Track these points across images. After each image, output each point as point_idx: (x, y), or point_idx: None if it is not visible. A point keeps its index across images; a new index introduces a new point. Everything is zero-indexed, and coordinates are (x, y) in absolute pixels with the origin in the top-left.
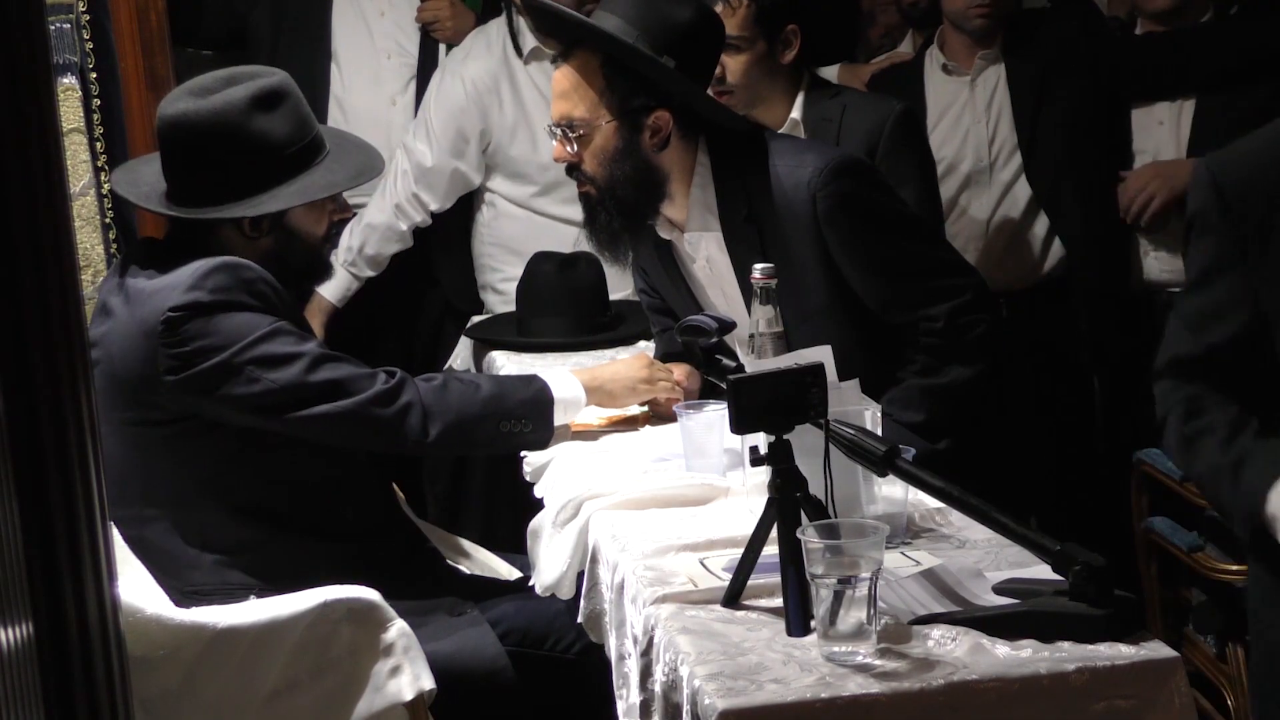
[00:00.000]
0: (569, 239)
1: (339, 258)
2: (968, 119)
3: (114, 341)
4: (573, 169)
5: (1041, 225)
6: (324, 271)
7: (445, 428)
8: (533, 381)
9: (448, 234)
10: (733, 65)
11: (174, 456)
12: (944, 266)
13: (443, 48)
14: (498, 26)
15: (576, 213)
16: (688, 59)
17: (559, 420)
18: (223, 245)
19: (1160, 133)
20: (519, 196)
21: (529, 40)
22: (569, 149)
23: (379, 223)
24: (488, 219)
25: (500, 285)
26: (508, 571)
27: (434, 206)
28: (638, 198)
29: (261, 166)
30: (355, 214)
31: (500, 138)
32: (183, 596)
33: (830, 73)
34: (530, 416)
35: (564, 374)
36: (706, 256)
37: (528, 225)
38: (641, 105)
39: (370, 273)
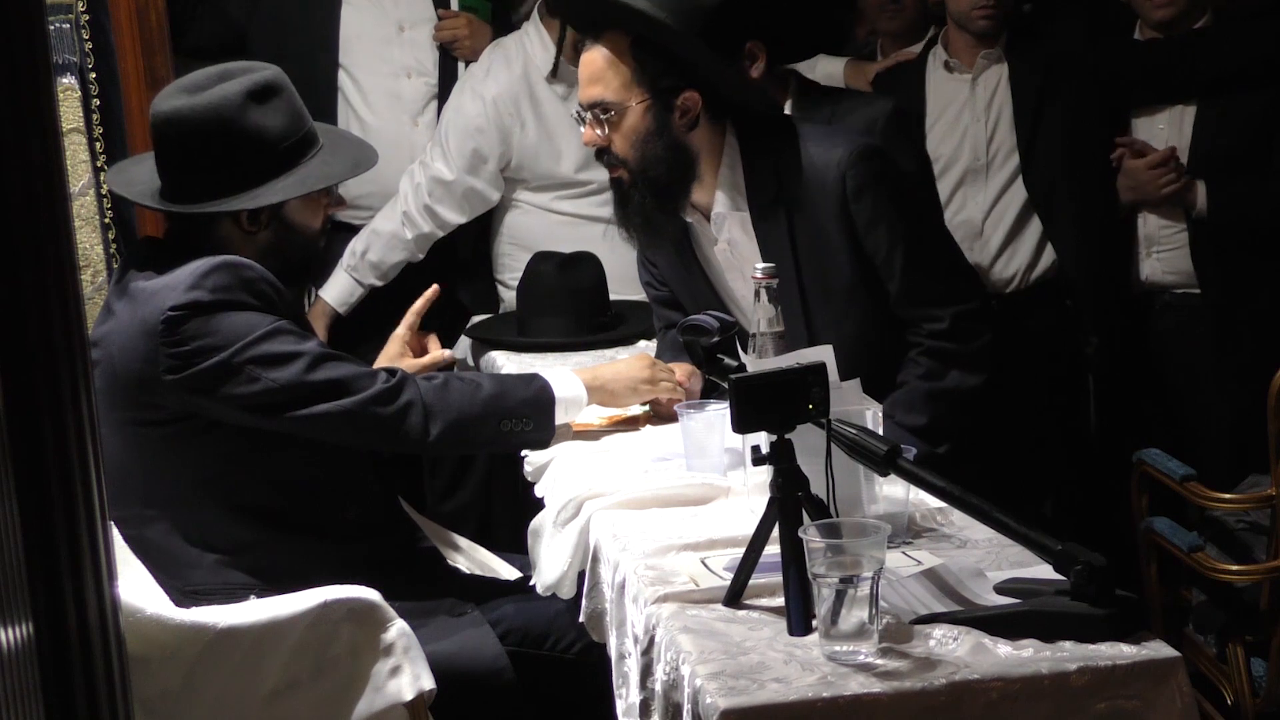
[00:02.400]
0: (593, 237)
1: (343, 262)
2: (967, 117)
3: (114, 341)
4: (603, 153)
5: (1035, 227)
6: (321, 266)
7: (446, 426)
8: (534, 380)
9: (466, 246)
10: None
11: (174, 456)
12: (956, 268)
13: (461, 65)
14: (515, 42)
15: (599, 211)
16: (715, 40)
17: (560, 419)
18: (221, 241)
19: (1160, 137)
20: (542, 201)
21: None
22: (599, 132)
23: (384, 229)
24: (509, 219)
25: (515, 283)
26: (507, 571)
27: (450, 218)
28: (670, 178)
29: (257, 160)
30: (350, 206)
31: (523, 157)
32: (183, 596)
33: (836, 69)
34: (531, 415)
35: (565, 373)
36: (729, 239)
37: (549, 224)
38: (671, 85)
39: (373, 279)
